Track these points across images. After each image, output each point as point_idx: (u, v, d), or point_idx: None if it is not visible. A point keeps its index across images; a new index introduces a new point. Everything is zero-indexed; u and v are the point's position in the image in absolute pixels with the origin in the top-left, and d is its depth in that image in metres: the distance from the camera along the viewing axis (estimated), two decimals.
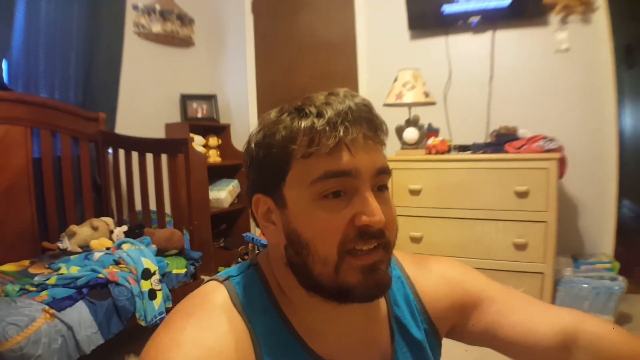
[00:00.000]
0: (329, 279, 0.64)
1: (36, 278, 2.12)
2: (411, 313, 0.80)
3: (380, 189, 0.67)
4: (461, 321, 0.83)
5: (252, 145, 0.70)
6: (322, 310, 0.69)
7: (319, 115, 0.63)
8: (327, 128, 0.62)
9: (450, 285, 0.84)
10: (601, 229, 3.04)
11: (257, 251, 3.58)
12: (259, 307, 0.69)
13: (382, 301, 0.79)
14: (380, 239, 0.64)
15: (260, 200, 0.70)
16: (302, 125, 0.64)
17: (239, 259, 3.69)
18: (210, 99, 4.19)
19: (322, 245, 0.63)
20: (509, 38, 3.18)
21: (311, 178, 0.63)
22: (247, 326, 0.66)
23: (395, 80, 3.02)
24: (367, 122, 0.65)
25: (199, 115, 4.10)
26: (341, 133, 0.62)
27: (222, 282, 0.71)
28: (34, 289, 1.99)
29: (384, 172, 0.67)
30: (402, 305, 0.80)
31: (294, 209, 0.65)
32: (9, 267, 2.32)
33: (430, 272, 0.85)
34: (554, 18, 3.01)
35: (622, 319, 2.59)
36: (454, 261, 0.89)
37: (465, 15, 3.18)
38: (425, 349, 0.79)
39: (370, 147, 0.65)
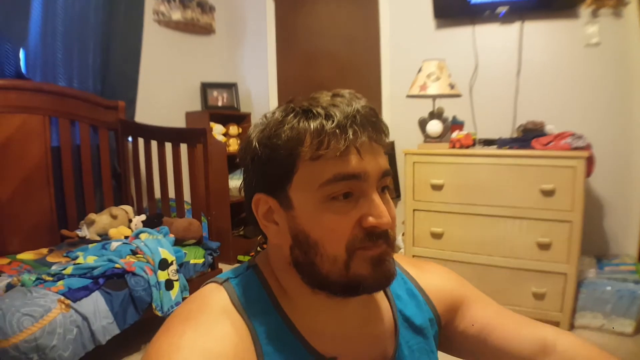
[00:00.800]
0: (338, 275, 0.64)
1: (53, 267, 2.13)
2: (417, 304, 0.82)
3: (383, 190, 0.68)
4: (454, 321, 0.85)
5: (255, 144, 0.67)
6: (325, 307, 0.70)
7: (328, 117, 0.63)
8: (337, 131, 0.62)
9: (449, 283, 0.87)
10: (625, 229, 2.97)
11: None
12: (259, 307, 0.68)
13: (383, 297, 0.79)
14: (385, 239, 0.65)
15: (261, 200, 0.69)
16: (311, 126, 0.63)
17: (259, 248, 3.67)
18: (230, 87, 4.16)
19: (331, 246, 0.64)
20: (537, 30, 3.08)
21: (320, 180, 0.63)
22: (247, 327, 0.65)
23: (420, 70, 2.94)
24: (372, 125, 0.65)
25: (220, 103, 4.08)
26: (351, 136, 0.62)
27: (221, 284, 0.70)
28: (50, 278, 1.99)
29: (388, 174, 0.67)
30: (405, 298, 0.81)
31: (302, 210, 0.65)
32: (27, 256, 2.33)
33: (428, 271, 0.88)
34: (585, 11, 2.91)
35: None
36: (447, 268, 0.92)
37: (493, 5, 3.08)
38: (430, 339, 0.80)
39: (375, 149, 0.66)
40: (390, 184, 0.70)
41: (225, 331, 0.62)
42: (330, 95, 0.67)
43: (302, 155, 0.63)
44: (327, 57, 3.94)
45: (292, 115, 0.65)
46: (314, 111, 0.64)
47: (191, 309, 0.66)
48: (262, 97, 4.26)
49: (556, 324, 2.52)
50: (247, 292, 0.69)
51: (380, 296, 0.78)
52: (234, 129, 4.08)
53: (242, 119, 4.20)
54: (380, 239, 0.64)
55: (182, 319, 0.64)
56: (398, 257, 0.85)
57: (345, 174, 0.62)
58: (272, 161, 0.65)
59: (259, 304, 0.68)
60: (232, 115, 4.15)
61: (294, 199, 0.65)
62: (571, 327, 2.56)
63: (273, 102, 4.17)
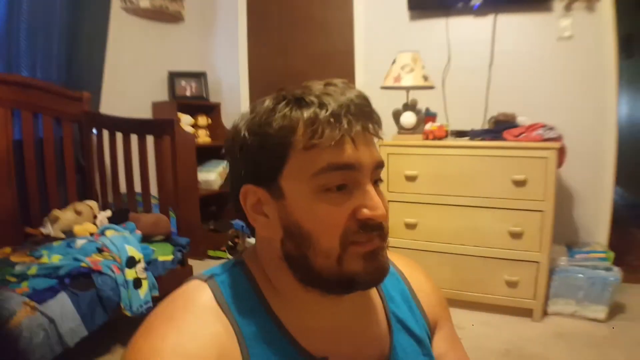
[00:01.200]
0: (331, 270, 0.63)
1: (17, 267, 2.03)
2: (409, 308, 0.80)
3: (376, 183, 0.67)
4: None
5: (244, 133, 0.66)
6: (316, 305, 0.68)
7: (321, 105, 0.61)
8: (331, 120, 0.60)
9: (436, 297, 0.87)
10: (596, 218, 3.05)
11: (247, 238, 3.55)
12: (246, 306, 0.66)
13: (377, 296, 0.78)
14: (379, 231, 0.64)
15: (249, 191, 0.67)
16: (304, 115, 0.61)
17: (229, 242, 3.63)
18: (199, 76, 4.06)
19: (325, 238, 0.62)
20: (511, 23, 3.13)
21: (313, 170, 0.61)
22: (233, 328, 0.63)
23: (394, 62, 2.93)
24: (366, 115, 0.64)
25: (188, 93, 3.98)
26: (345, 126, 0.61)
27: (205, 280, 0.68)
28: (14, 279, 1.91)
29: (381, 166, 0.66)
30: (399, 300, 0.80)
31: (294, 199, 0.63)
32: None
33: (421, 275, 0.88)
34: (558, 4, 2.97)
35: (616, 309, 2.63)
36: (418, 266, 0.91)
37: None
38: (424, 342, 0.78)
39: (369, 140, 0.64)
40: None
41: (209, 333, 0.60)
42: (322, 84, 0.66)
43: (294, 144, 0.62)
44: (299, 47, 3.91)
45: (284, 103, 0.64)
46: (307, 99, 0.62)
47: (174, 308, 0.64)
48: (232, 87, 4.20)
49: (529, 311, 2.61)
50: (233, 289, 0.67)
51: (373, 295, 0.77)
52: (202, 120, 4.00)
53: (211, 110, 4.12)
54: (374, 232, 0.63)
55: (165, 319, 0.61)
56: (391, 254, 0.82)
57: (340, 164, 0.61)
58: (262, 150, 0.64)
59: (245, 302, 0.66)
60: (201, 106, 4.07)
61: (286, 188, 0.63)
62: (544, 314, 2.64)
63: (244, 92, 4.12)
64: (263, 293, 0.68)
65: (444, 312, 0.86)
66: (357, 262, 0.63)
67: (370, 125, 0.64)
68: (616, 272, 2.56)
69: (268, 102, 0.65)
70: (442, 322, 0.85)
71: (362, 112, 0.63)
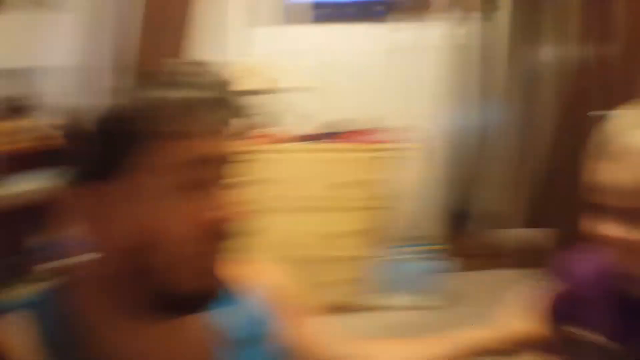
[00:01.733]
0: (179, 284, 0.57)
1: None
2: (249, 315, 0.74)
3: (229, 177, 0.62)
4: (281, 331, 0.79)
5: (88, 120, 0.58)
6: (150, 330, 0.61)
7: (193, 89, 0.56)
8: (201, 106, 0.56)
9: (284, 291, 0.84)
10: (426, 213, 3.37)
11: (45, 262, 3.10)
12: (61, 342, 0.57)
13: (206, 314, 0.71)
14: (229, 235, 0.60)
15: (86, 191, 0.58)
16: (171, 99, 0.55)
17: (42, 272, 3.17)
18: (15, 73, 3.57)
19: (178, 243, 0.56)
20: (349, 32, 3.40)
21: (172, 164, 0.55)
22: None
23: (234, 69, 2.79)
24: (235, 105, 0.61)
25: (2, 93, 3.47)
26: (217, 115, 0.58)
27: (12, 317, 0.58)
28: None
29: (238, 159, 0.62)
30: (235, 310, 0.73)
31: (143, 201, 0.56)
32: None
33: (266, 274, 0.84)
34: (394, 18, 3.29)
35: (451, 296, 2.84)
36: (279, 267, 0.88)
37: (309, 5, 3.26)
38: (260, 344, 0.73)
39: (234, 131, 0.61)
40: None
41: None
42: (188, 64, 0.61)
43: (154, 133, 0.55)
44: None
45: (142, 84, 0.59)
46: (175, 80, 0.57)
47: None
48: (59, 82, 3.72)
49: (365, 307, 2.81)
50: (45, 323, 0.58)
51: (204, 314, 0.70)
52: (18, 123, 3.48)
53: (30, 111, 3.60)
54: (225, 236, 0.60)
55: None
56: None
57: (206, 156, 0.57)
58: (110, 140, 0.56)
59: (60, 337, 0.58)
60: (17, 107, 3.54)
61: (136, 185, 0.56)
62: (379, 308, 2.82)
63: (71, 87, 3.69)
64: (83, 323, 0.59)
65: (295, 304, 0.84)
66: (208, 276, 0.59)
67: (237, 117, 0.61)
68: (445, 262, 2.82)
69: (125, 83, 0.60)
70: (295, 314, 0.82)
71: (232, 100, 0.60)
